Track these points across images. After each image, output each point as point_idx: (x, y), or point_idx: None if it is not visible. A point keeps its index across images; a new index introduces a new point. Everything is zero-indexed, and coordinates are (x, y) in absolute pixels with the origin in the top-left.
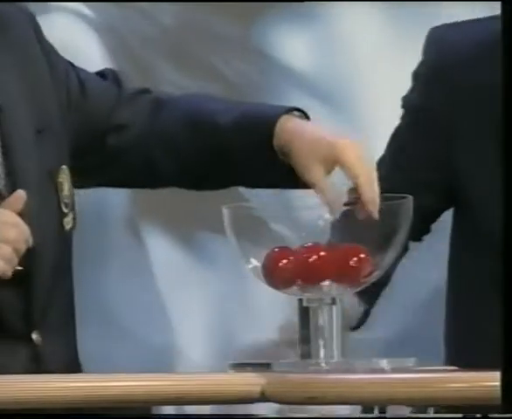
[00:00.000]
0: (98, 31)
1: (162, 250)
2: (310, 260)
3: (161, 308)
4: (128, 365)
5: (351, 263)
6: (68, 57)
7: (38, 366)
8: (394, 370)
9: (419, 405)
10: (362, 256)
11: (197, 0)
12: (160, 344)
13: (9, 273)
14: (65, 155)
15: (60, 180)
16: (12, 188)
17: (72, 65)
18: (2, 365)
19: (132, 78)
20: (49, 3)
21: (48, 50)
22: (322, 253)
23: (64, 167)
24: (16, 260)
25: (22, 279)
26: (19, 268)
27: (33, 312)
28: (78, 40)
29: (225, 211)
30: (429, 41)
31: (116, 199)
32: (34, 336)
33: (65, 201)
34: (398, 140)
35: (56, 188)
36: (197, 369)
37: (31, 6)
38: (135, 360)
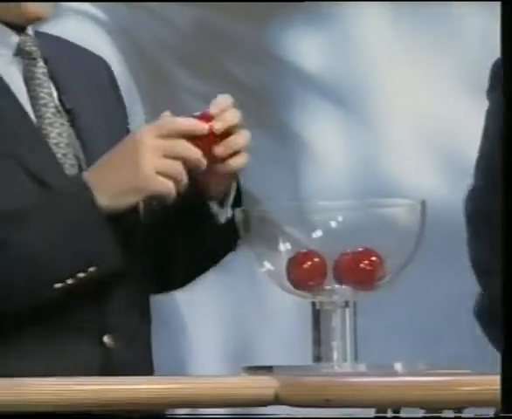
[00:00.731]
0: (111, 34)
1: None
2: (338, 260)
3: (175, 311)
4: None
5: (362, 265)
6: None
7: (109, 369)
8: (408, 373)
9: (432, 407)
10: (373, 259)
11: (208, 0)
12: (174, 347)
13: (174, 194)
14: None
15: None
16: None
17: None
18: (74, 365)
19: (145, 82)
20: (61, 5)
21: (119, 95)
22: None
23: None
24: (184, 181)
25: (99, 280)
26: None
27: (107, 315)
28: (91, 43)
29: (238, 214)
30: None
31: None
32: (106, 339)
33: None
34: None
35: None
36: (210, 373)
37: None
38: None
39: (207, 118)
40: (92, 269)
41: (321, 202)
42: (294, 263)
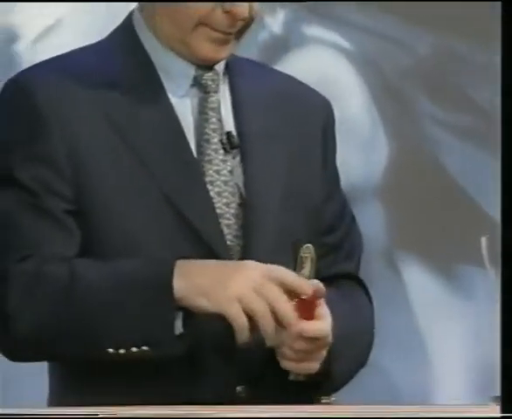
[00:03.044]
0: (356, 64)
1: (418, 280)
2: None
3: (416, 337)
4: (380, 395)
5: None
6: (328, 90)
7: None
8: None
9: None
10: None
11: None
12: (417, 374)
13: (244, 334)
14: (315, 233)
15: (302, 255)
16: (245, 240)
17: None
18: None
19: (390, 111)
20: (309, 36)
21: (328, 155)
22: None
23: (309, 245)
24: (261, 306)
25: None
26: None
27: (239, 369)
28: (337, 73)
29: (484, 241)
30: None
31: (372, 230)
32: (238, 388)
33: None
34: None
35: (296, 261)
36: (455, 401)
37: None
38: (389, 390)
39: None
40: (145, 348)
41: None
42: None
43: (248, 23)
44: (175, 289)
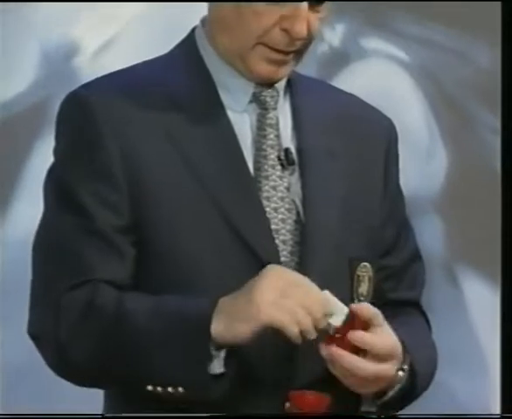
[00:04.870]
0: (415, 76)
1: (477, 293)
2: None
3: (476, 351)
4: (440, 408)
5: None
6: (387, 102)
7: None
8: None
9: None
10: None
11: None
12: (476, 386)
13: (299, 341)
14: (373, 253)
15: (359, 274)
16: (300, 256)
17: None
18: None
19: (448, 122)
20: (368, 48)
21: (390, 177)
22: None
23: (366, 264)
24: (310, 325)
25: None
26: None
27: (288, 384)
28: (395, 85)
29: None
30: None
31: (431, 242)
32: (287, 405)
33: (360, 298)
34: None
35: (352, 279)
36: None
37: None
38: (448, 403)
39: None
40: (180, 390)
41: None
42: None
43: (306, 44)
44: (213, 330)
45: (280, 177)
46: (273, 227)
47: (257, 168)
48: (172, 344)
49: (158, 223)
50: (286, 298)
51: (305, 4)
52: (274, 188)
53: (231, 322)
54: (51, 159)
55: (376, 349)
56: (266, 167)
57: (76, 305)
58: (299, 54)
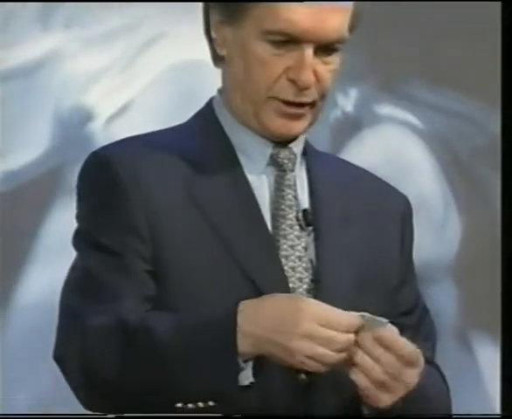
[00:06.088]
0: (428, 142)
1: (491, 360)
2: None
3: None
4: None
5: None
6: (401, 168)
7: (302, 402)
8: None
9: None
10: None
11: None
12: None
13: (322, 369)
14: (389, 316)
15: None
16: None
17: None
18: (269, 397)
19: (462, 189)
20: (381, 114)
21: (406, 244)
22: None
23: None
24: (331, 357)
25: None
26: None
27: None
28: (409, 152)
29: None
30: None
31: (445, 309)
32: (302, 376)
33: None
34: None
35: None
36: None
37: None
38: None
39: None
40: (211, 403)
41: None
42: None
43: (319, 97)
44: (239, 343)
45: (298, 237)
46: (290, 285)
47: (275, 227)
48: (199, 358)
49: (178, 275)
50: (316, 337)
51: (310, 53)
52: (292, 247)
53: (264, 343)
54: (64, 225)
55: (407, 350)
56: (284, 226)
57: (101, 327)
58: (313, 108)
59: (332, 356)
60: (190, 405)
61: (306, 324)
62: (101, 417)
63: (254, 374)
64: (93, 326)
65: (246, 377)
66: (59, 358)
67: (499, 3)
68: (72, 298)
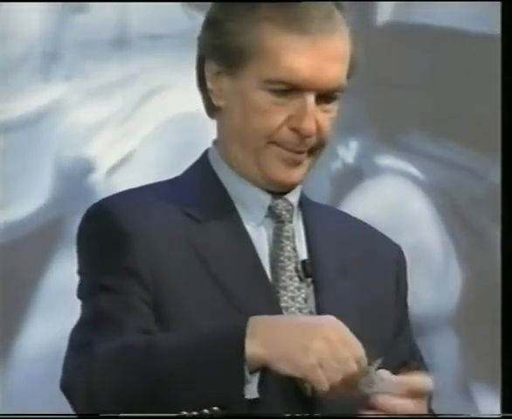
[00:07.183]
0: (428, 193)
1: (492, 410)
2: None
3: None
4: None
5: None
6: (401, 219)
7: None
8: None
9: None
10: None
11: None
12: None
13: (326, 388)
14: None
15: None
16: None
17: None
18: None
19: (462, 240)
20: (381, 165)
21: (401, 294)
22: None
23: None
24: (339, 376)
25: None
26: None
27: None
28: (409, 203)
29: None
30: None
31: (446, 359)
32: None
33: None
34: None
35: None
36: None
37: None
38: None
39: None
40: (216, 409)
41: None
42: None
43: (319, 144)
44: (248, 351)
45: (298, 288)
46: None
47: (275, 279)
48: (205, 367)
49: (179, 323)
50: (333, 356)
51: (311, 101)
52: (293, 298)
53: (277, 358)
54: (64, 276)
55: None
56: (283, 278)
57: (106, 352)
58: (313, 155)
59: (341, 373)
60: (194, 412)
61: (329, 329)
62: (100, 417)
63: (259, 388)
64: (100, 353)
65: (251, 392)
66: (66, 387)
67: (498, 43)
68: (76, 330)
